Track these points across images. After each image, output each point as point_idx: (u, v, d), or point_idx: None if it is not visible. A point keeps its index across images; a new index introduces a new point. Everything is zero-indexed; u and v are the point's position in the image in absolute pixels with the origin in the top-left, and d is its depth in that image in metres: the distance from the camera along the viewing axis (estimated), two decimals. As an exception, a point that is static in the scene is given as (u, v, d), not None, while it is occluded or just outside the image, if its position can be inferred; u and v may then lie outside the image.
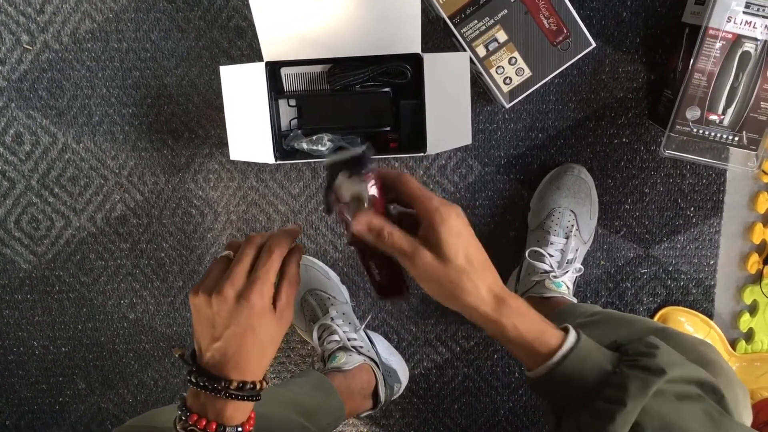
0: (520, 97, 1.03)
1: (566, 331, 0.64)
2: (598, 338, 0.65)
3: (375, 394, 1.11)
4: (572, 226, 1.09)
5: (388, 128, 1.04)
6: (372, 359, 1.12)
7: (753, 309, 1.21)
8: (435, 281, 0.62)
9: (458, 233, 0.62)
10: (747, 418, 0.69)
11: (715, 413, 0.60)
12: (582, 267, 1.11)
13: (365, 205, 0.64)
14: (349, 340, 1.11)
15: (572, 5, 0.99)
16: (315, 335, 1.12)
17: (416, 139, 1.02)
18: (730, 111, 1.00)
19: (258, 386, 0.64)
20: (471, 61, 1.01)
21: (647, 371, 0.59)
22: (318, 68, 1.03)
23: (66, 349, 1.26)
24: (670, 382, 0.60)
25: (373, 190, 0.64)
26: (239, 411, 0.63)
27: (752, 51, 0.97)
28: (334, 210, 0.65)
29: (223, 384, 0.62)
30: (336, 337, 1.11)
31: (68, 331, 1.24)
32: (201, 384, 0.62)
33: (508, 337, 0.62)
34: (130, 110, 1.15)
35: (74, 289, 1.22)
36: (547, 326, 0.63)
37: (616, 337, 0.69)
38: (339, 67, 1.01)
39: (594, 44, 1.01)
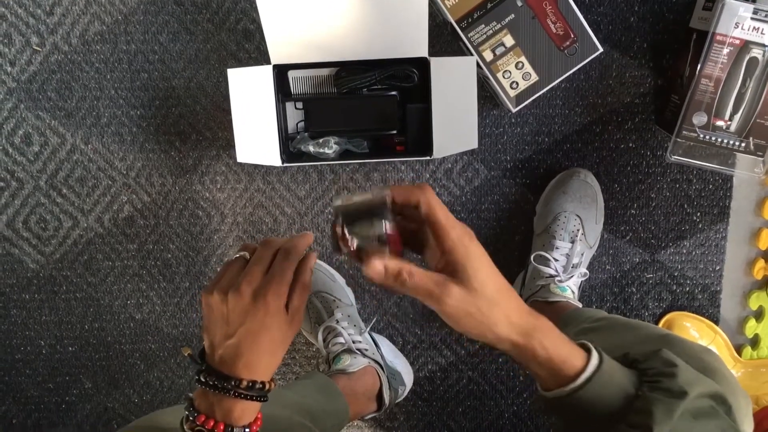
0: (527, 102, 1.03)
1: (587, 350, 0.62)
2: (603, 344, 0.65)
3: (379, 396, 1.11)
4: (578, 230, 1.09)
5: (395, 132, 1.04)
6: (377, 362, 1.12)
7: (759, 315, 1.20)
8: (465, 316, 0.58)
9: (485, 264, 0.59)
10: (748, 427, 0.69)
11: (730, 431, 0.60)
12: (587, 272, 1.11)
13: (377, 244, 0.58)
14: (354, 342, 1.11)
15: (579, 10, 0.99)
16: (320, 337, 1.12)
17: (423, 142, 1.02)
18: (737, 117, 1.00)
19: (267, 386, 0.65)
20: (478, 65, 1.01)
21: (670, 394, 0.58)
22: (325, 71, 1.03)
23: (73, 349, 1.26)
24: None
25: (388, 228, 0.59)
26: (247, 411, 0.64)
27: (760, 57, 0.97)
28: (343, 252, 0.60)
29: (233, 383, 0.62)
30: (341, 340, 1.11)
31: (75, 330, 1.25)
32: (210, 383, 0.63)
33: (537, 360, 0.60)
34: (138, 112, 1.16)
35: (81, 289, 1.23)
36: (572, 346, 0.61)
37: (620, 343, 0.69)
38: (346, 70, 1.02)
39: (601, 49, 1.01)
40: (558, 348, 0.60)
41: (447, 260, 0.58)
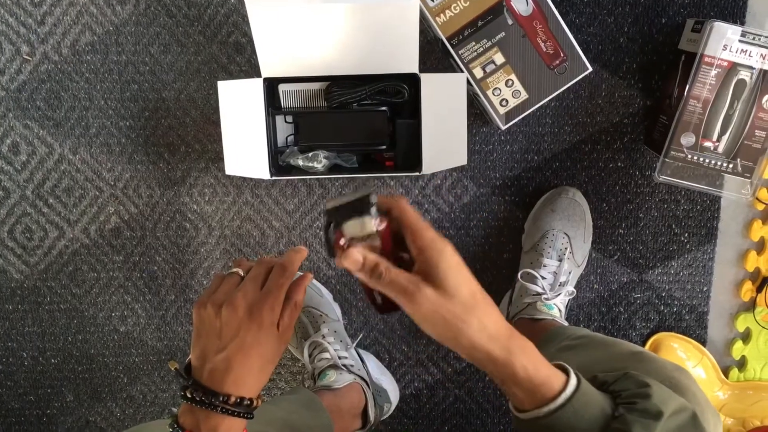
0: (516, 119, 1.03)
1: (566, 371, 0.61)
2: (578, 360, 0.65)
3: (364, 413, 1.10)
4: (566, 248, 1.09)
5: (384, 147, 1.04)
6: (362, 378, 1.11)
7: (746, 337, 1.20)
8: (439, 319, 0.57)
9: (458, 267, 0.58)
10: None
11: None
12: (575, 290, 1.11)
13: (368, 242, 0.59)
14: (339, 358, 1.10)
15: (569, 29, 1.00)
16: (306, 352, 1.12)
17: (412, 158, 1.02)
18: (725, 138, 1.01)
19: (254, 403, 0.64)
20: (468, 82, 1.01)
21: (647, 414, 0.58)
22: (316, 86, 1.03)
23: (55, 361, 1.25)
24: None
25: (375, 224, 0.59)
26: (233, 429, 0.63)
27: (747, 79, 0.98)
28: (337, 254, 0.61)
29: (221, 399, 0.62)
30: (327, 355, 1.10)
31: (58, 342, 1.24)
32: (197, 399, 0.62)
33: (515, 379, 0.58)
34: (128, 123, 1.15)
35: (65, 300, 1.22)
36: (551, 368, 0.60)
37: (593, 360, 0.68)
38: (336, 84, 1.02)
39: (591, 69, 1.01)
40: (539, 369, 0.59)
41: (420, 262, 0.59)
